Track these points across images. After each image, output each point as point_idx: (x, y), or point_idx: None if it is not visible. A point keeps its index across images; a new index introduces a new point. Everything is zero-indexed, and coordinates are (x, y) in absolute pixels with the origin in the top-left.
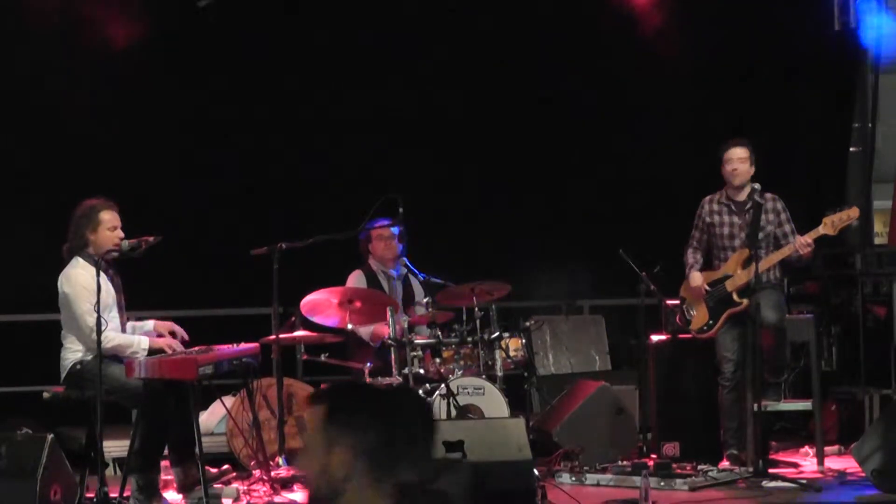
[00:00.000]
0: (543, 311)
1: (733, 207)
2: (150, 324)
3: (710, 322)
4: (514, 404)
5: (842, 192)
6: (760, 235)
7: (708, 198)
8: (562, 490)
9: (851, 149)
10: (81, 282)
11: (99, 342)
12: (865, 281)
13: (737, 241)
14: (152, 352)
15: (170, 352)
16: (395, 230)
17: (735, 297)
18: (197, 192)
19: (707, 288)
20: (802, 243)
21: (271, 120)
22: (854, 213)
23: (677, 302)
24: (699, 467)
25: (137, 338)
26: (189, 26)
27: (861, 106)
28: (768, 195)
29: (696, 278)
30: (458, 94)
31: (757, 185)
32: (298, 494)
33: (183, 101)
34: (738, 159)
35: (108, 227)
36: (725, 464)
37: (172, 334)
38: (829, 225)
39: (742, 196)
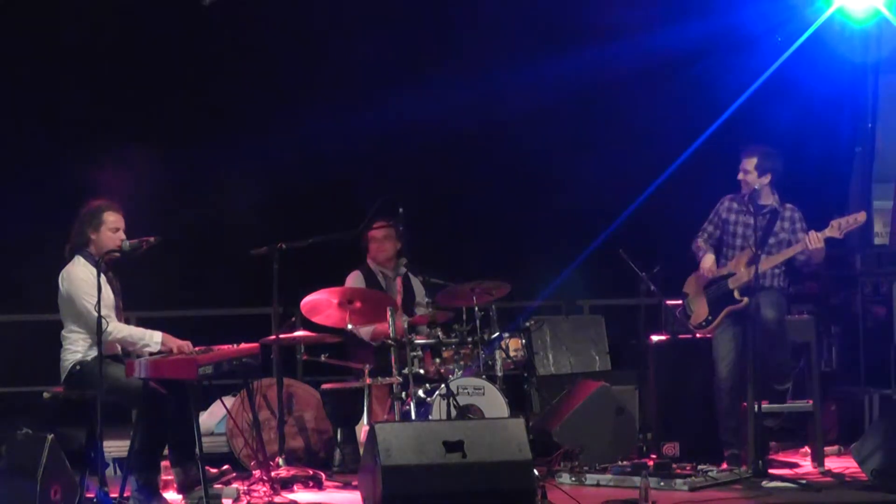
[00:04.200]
0: (543, 311)
1: (752, 209)
2: (157, 335)
3: (710, 318)
4: (514, 404)
5: (845, 193)
6: (772, 241)
7: (730, 196)
8: (562, 490)
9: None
10: (83, 278)
11: (100, 342)
12: (865, 281)
13: (748, 241)
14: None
15: (178, 353)
16: (391, 230)
17: (736, 294)
18: (197, 192)
19: (715, 273)
20: (814, 237)
21: (271, 120)
22: (861, 217)
23: (678, 302)
24: (699, 467)
25: (150, 332)
26: (192, 24)
27: (861, 106)
28: (788, 205)
29: (708, 260)
30: (457, 94)
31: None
32: (299, 494)
33: (183, 101)
34: (743, 170)
35: (111, 228)
36: (725, 465)
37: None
38: (836, 228)
39: (762, 200)
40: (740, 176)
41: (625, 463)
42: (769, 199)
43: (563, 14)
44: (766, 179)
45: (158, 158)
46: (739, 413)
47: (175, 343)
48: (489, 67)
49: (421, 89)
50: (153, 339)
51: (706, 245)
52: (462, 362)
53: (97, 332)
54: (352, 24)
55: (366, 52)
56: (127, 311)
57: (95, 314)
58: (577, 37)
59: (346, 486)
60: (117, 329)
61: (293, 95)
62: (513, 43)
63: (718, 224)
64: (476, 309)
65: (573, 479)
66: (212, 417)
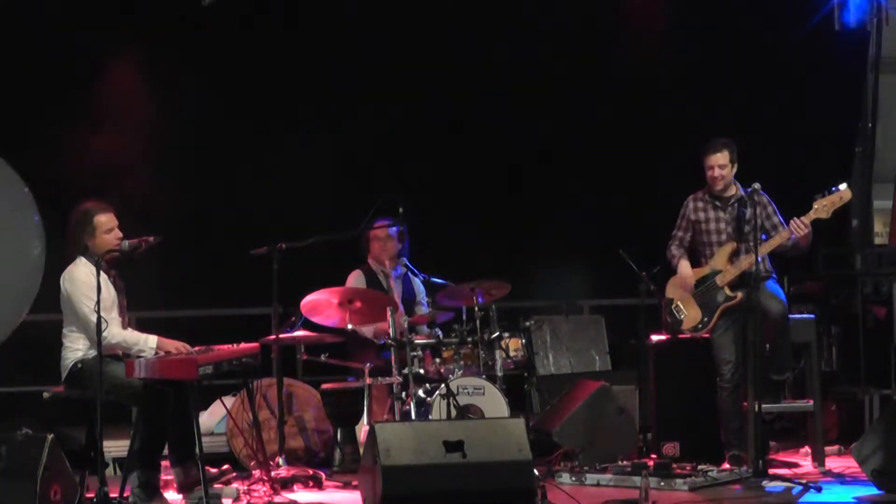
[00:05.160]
0: (543, 311)
1: (718, 203)
2: (153, 339)
3: (705, 320)
4: (514, 404)
5: None
6: (747, 229)
7: (692, 196)
8: (562, 490)
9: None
10: (83, 279)
11: (99, 342)
12: (865, 281)
13: (723, 236)
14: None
15: (176, 354)
16: (392, 230)
17: (727, 291)
18: (197, 192)
19: (693, 282)
20: (798, 224)
21: (271, 120)
22: (846, 194)
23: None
24: (699, 467)
25: (145, 336)
26: (194, 25)
27: (861, 106)
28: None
29: (685, 267)
30: (457, 94)
31: (757, 185)
32: (299, 494)
33: (184, 101)
34: (719, 166)
35: (105, 231)
36: (727, 465)
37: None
38: (821, 209)
39: (727, 192)
40: (714, 173)
41: (625, 463)
42: (733, 189)
43: (564, 14)
44: (735, 169)
45: (158, 158)
46: (742, 414)
47: (171, 345)
48: (489, 67)
49: (421, 88)
50: (147, 343)
51: (679, 251)
52: (462, 362)
53: (96, 332)
54: (351, 22)
55: (366, 51)
56: (128, 311)
57: (93, 316)
58: (577, 36)
59: (346, 486)
60: (112, 335)
61: (292, 95)
62: (512, 41)
63: (688, 227)
64: (476, 309)
65: (573, 479)
66: (212, 417)
